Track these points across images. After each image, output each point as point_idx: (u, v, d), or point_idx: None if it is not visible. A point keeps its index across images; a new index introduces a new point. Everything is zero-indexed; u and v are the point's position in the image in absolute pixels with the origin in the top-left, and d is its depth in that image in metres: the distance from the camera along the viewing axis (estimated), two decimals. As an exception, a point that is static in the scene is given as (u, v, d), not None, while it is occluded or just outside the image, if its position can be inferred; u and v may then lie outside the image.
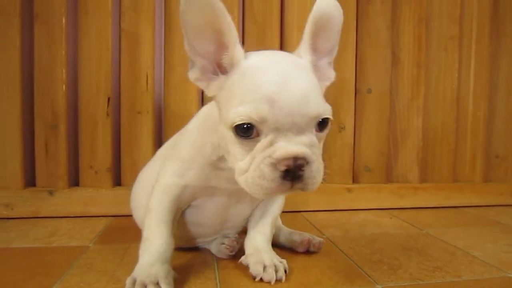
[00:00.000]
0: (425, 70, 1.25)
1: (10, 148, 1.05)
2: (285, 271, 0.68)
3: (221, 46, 0.57)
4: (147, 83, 1.11)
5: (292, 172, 0.52)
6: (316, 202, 1.18)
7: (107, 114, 1.09)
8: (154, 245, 0.65)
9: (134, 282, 0.60)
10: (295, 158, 0.51)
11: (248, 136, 0.53)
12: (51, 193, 1.06)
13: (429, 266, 0.75)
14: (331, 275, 0.70)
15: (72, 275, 0.68)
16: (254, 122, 0.52)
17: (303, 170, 0.52)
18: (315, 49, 0.60)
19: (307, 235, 0.82)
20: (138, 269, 0.63)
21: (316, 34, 0.59)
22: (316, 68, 0.60)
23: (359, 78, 1.23)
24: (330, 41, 0.61)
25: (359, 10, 1.21)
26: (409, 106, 1.26)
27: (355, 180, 1.24)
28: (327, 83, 0.63)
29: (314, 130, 0.55)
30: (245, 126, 0.52)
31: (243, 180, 0.55)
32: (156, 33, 1.13)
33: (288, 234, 0.84)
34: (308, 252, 0.81)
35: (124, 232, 0.93)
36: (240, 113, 0.51)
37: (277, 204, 0.76)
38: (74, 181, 1.12)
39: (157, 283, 0.60)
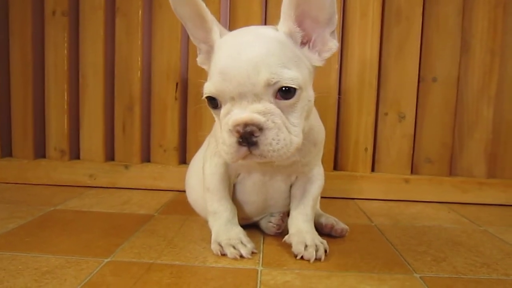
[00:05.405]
0: (500, 58, 1.16)
1: (95, 127, 1.22)
2: (325, 251, 0.71)
3: (207, 31, 0.65)
4: (211, 70, 1.19)
5: (245, 138, 0.56)
6: (370, 190, 1.18)
7: (175, 98, 1.20)
8: (223, 216, 0.75)
9: (220, 245, 0.71)
10: (245, 124, 0.56)
11: (215, 107, 0.61)
12: (126, 167, 1.21)
13: (476, 262, 0.73)
14: (370, 260, 0.72)
15: (137, 237, 0.78)
16: (213, 95, 0.59)
17: (256, 137, 0.56)
18: (301, 18, 0.61)
19: (332, 220, 0.84)
20: (218, 236, 0.73)
21: (297, 4, 0.60)
22: (317, 39, 0.63)
23: (424, 66, 1.18)
24: (325, 10, 0.61)
25: (428, -5, 1.16)
26: (479, 96, 1.18)
27: (414, 171, 1.21)
28: (327, 55, 0.64)
29: (273, 98, 0.57)
30: (210, 98, 0.60)
31: (219, 148, 0.62)
32: (221, 25, 1.20)
33: (317, 216, 0.85)
34: (330, 236, 0.82)
35: (185, 205, 1.03)
36: (205, 89, 0.60)
37: (316, 185, 0.78)
38: (146, 158, 1.25)
39: (241, 242, 0.71)
